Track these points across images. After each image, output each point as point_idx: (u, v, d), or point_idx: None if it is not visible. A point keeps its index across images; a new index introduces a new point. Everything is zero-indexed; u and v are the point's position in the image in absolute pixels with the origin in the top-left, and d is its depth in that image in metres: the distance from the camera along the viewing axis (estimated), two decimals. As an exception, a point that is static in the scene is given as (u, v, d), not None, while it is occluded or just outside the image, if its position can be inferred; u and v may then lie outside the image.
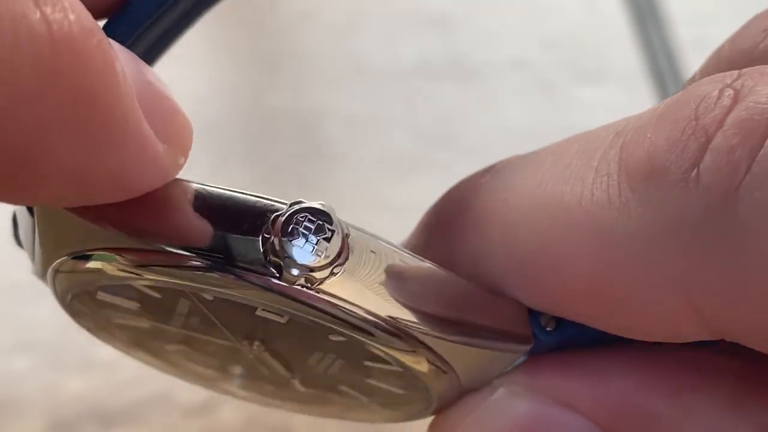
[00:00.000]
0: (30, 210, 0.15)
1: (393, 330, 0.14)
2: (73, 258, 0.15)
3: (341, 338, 0.15)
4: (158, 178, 0.14)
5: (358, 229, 0.14)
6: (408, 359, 0.15)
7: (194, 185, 0.14)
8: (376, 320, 0.14)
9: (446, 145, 0.40)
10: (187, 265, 0.14)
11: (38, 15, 0.12)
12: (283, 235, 0.13)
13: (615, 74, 0.45)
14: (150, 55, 0.16)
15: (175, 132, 0.14)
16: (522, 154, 0.16)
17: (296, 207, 0.14)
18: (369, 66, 0.45)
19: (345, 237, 0.14)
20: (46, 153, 0.12)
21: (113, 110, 0.13)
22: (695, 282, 0.13)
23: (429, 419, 0.17)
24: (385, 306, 0.14)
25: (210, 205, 0.14)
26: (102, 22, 0.15)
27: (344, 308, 0.14)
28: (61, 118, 0.12)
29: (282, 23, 0.49)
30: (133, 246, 0.14)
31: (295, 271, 0.13)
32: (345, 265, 0.14)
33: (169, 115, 0.14)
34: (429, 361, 0.15)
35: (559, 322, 0.16)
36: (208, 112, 0.43)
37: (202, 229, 0.14)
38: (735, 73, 0.14)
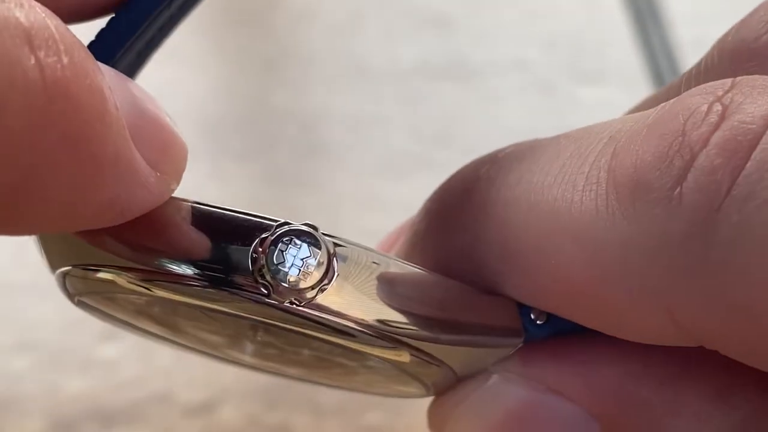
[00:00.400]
0: None
1: (383, 337, 0.15)
2: (82, 268, 0.15)
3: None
4: (150, 204, 0.14)
5: (344, 241, 0.15)
6: (391, 354, 0.16)
7: (186, 204, 0.14)
8: (366, 331, 0.15)
9: (446, 145, 0.40)
10: (184, 282, 0.14)
11: (32, 61, 0.12)
12: (269, 256, 0.14)
13: (615, 74, 0.45)
14: (149, 49, 0.16)
15: (168, 159, 0.14)
16: (522, 144, 0.16)
17: (282, 230, 0.14)
18: (369, 66, 0.45)
19: (331, 256, 0.14)
20: (37, 190, 0.12)
21: (104, 148, 0.13)
22: (675, 296, 0.13)
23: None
24: (373, 315, 0.15)
25: (202, 223, 0.14)
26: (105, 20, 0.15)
27: (334, 321, 0.15)
28: (52, 159, 0.12)
29: (282, 23, 0.49)
30: (130, 266, 0.15)
31: (283, 291, 0.14)
32: (333, 282, 0.14)
33: (163, 143, 0.14)
34: (413, 355, 0.16)
35: (550, 314, 0.16)
36: (208, 112, 0.43)
37: (197, 246, 0.14)
38: (728, 83, 0.14)
